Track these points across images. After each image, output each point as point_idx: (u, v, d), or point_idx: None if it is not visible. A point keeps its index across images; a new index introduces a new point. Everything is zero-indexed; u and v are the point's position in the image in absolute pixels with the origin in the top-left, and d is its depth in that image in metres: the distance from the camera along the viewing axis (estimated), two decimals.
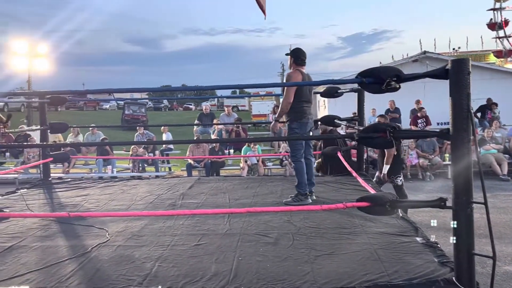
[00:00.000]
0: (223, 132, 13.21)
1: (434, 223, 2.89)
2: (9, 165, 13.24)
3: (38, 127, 6.88)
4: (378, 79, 2.77)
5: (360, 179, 5.17)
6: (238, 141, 12.57)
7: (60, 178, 8.53)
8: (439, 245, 3.24)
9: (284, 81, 5.00)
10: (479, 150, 10.75)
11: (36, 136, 12.74)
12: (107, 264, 3.10)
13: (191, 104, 56.81)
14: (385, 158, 7.20)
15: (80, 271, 2.97)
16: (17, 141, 13.35)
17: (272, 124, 5.15)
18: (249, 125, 16.62)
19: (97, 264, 3.11)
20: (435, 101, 14.09)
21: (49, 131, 6.90)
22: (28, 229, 4.08)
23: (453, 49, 46.04)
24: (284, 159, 11.80)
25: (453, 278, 2.55)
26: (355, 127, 5.20)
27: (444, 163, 11.74)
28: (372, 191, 4.11)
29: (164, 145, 13.89)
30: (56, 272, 2.96)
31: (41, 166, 7.09)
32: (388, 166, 7.38)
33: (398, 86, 2.78)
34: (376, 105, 13.73)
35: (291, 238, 3.58)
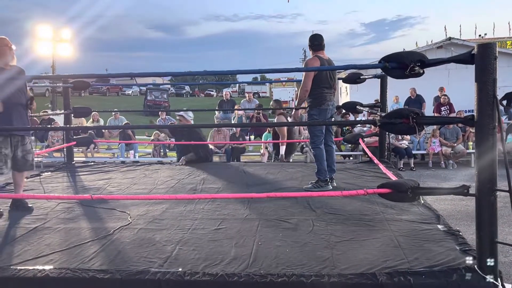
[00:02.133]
0: (243, 118, 13.20)
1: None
2: (34, 149, 13.50)
3: (62, 111, 6.99)
4: (402, 64, 2.72)
5: (381, 166, 5.12)
6: (258, 126, 12.54)
7: (84, 162, 8.65)
8: (461, 233, 3.20)
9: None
10: (505, 137, 10.59)
11: (60, 121, 12.94)
12: (128, 246, 3.14)
13: (212, 91, 56.91)
14: (280, 139, 8.14)
15: (102, 253, 3.03)
16: (41, 125, 13.58)
17: (293, 112, 5.11)
18: (270, 112, 16.58)
19: (119, 246, 3.16)
20: (459, 89, 13.86)
21: (72, 115, 7.01)
22: (52, 211, 4.17)
23: (479, 35, 44.88)
24: (304, 146, 11.77)
25: (475, 266, 2.51)
26: (378, 113, 5.14)
27: (468, 151, 11.54)
28: (394, 178, 4.08)
29: None
30: (79, 253, 3.02)
31: (64, 149, 7.22)
32: (284, 147, 8.36)
33: (422, 71, 2.73)
34: (398, 92, 13.53)
35: (311, 224, 3.57)
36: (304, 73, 4.91)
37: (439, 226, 3.43)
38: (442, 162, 11.45)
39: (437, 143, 11.62)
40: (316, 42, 4.92)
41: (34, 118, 13.78)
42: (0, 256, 3.00)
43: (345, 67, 4.32)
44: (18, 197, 4.41)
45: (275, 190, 4.90)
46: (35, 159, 4.74)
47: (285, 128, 8.71)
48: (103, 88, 41.90)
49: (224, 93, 15.83)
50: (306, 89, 4.81)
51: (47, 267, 2.75)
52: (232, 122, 13.45)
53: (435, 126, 11.75)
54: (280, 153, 8.39)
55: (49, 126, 12.46)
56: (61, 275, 2.65)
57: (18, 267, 2.76)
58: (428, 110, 13.99)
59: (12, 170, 4.35)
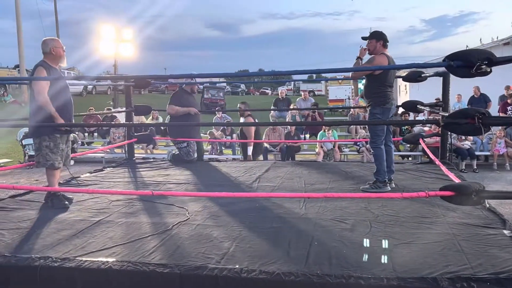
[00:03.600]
0: (296, 117, 13.13)
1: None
2: (97, 145, 14.04)
3: (124, 109, 7.24)
4: (468, 62, 2.62)
5: (443, 167, 4.95)
6: (314, 124, 12.46)
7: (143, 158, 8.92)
8: None
9: (365, 64, 4.79)
10: None
11: (121, 118, 13.40)
12: (187, 242, 3.21)
13: (267, 89, 56.99)
14: (248, 140, 8.37)
15: (161, 247, 3.11)
16: (104, 122, 14.13)
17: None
18: (326, 110, 16.35)
19: (177, 241, 3.24)
20: None
21: (133, 113, 7.24)
22: (114, 205, 4.33)
23: None
24: (361, 146, 11.56)
25: None
26: (440, 113, 4.96)
27: None
28: (457, 180, 3.93)
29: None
30: (140, 247, 3.12)
31: (126, 146, 7.47)
32: (251, 148, 8.68)
33: (489, 70, 2.61)
34: (460, 91, 13.01)
35: (369, 225, 3.51)
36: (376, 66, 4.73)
37: (505, 231, 3.27)
38: (508, 164, 10.92)
39: (502, 144, 11.09)
40: (386, 39, 4.77)
41: (98, 115, 14.41)
42: (67, 247, 3.15)
43: (408, 66, 4.19)
44: (83, 192, 4.63)
45: (331, 190, 4.85)
46: (100, 154, 5.02)
47: (253, 128, 8.98)
48: (162, 86, 42.97)
49: (279, 92, 15.82)
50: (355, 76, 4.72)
51: (110, 260, 2.86)
52: (287, 120, 13.41)
53: (500, 127, 11.20)
54: (248, 153, 8.79)
55: (111, 123, 12.92)
56: (123, 267, 2.75)
57: (83, 258, 2.89)
58: (493, 109, 13.37)
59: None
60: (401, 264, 2.71)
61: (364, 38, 4.87)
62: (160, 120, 14.13)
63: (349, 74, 5.42)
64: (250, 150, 8.78)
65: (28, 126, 4.55)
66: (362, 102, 14.47)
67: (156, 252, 3.02)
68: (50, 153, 4.35)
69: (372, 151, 5.03)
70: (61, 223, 3.76)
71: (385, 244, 3.10)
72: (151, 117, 13.73)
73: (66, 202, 4.36)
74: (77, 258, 2.90)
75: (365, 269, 2.64)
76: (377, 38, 4.77)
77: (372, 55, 4.78)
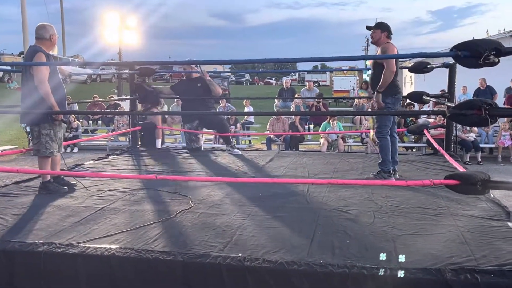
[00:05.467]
0: (300, 107, 13.09)
1: None
2: (101, 132, 14.07)
3: (128, 97, 7.21)
4: (475, 53, 2.59)
5: (448, 158, 4.93)
6: (318, 114, 12.43)
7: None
8: None
9: (380, 53, 4.68)
10: None
11: (125, 106, 13.40)
12: (190, 230, 3.22)
13: (272, 79, 56.80)
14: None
15: (165, 235, 3.11)
16: (108, 109, 14.14)
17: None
18: (330, 101, 16.27)
19: (181, 229, 3.24)
20: None
21: (138, 101, 7.22)
22: (118, 192, 4.33)
23: None
24: (364, 136, 11.52)
25: None
26: (445, 104, 4.93)
27: None
28: (462, 170, 3.90)
29: (245, 118, 14.05)
30: (143, 234, 3.13)
31: (130, 134, 7.47)
32: (160, 140, 8.83)
33: (497, 61, 2.58)
34: (466, 83, 12.93)
35: (372, 216, 3.50)
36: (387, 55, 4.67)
37: (510, 224, 3.25)
38: None
39: (507, 136, 11.04)
40: (391, 31, 4.71)
41: (101, 103, 14.41)
42: (70, 233, 3.15)
43: (414, 55, 4.15)
44: (88, 175, 4.64)
45: None
46: (103, 142, 5.06)
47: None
48: (166, 75, 42.91)
49: (284, 82, 15.76)
50: (393, 70, 4.57)
51: (113, 246, 2.86)
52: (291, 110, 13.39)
53: (505, 119, 11.14)
54: (157, 146, 8.71)
55: (116, 111, 12.93)
56: (126, 254, 2.76)
57: (87, 245, 2.89)
58: (499, 102, 13.29)
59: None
60: (405, 254, 2.69)
61: (368, 28, 4.82)
62: (165, 108, 14.12)
63: (354, 64, 5.34)
64: (159, 143, 8.85)
65: (20, 112, 4.43)
66: (363, 93, 14.37)
67: (160, 239, 3.02)
68: (50, 141, 4.33)
69: (377, 141, 5.00)
70: (65, 209, 3.77)
71: (389, 234, 3.09)
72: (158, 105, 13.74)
73: (66, 188, 4.37)
74: (81, 244, 2.91)
75: (368, 260, 2.63)
76: (382, 29, 4.72)
77: (385, 45, 4.67)
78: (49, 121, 4.29)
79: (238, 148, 7.03)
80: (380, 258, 2.62)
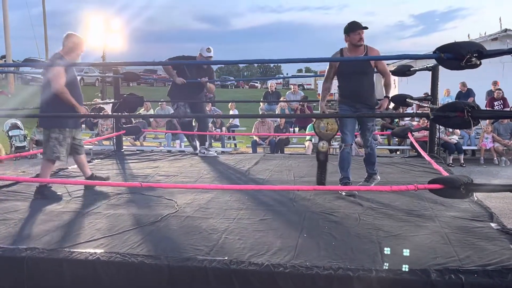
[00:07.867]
0: (286, 110, 13.12)
1: None
2: (85, 136, 13.92)
3: (112, 100, 7.15)
4: (458, 55, 2.63)
5: (431, 161, 4.98)
6: (303, 117, 12.48)
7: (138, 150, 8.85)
8: None
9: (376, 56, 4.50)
10: None
11: (109, 110, 13.27)
12: (176, 234, 3.20)
13: (256, 82, 56.82)
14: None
15: (150, 239, 3.09)
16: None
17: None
18: (315, 104, 16.31)
19: (166, 233, 3.23)
20: None
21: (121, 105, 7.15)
22: (102, 197, 4.29)
23: None
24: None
25: None
26: (428, 106, 4.98)
27: None
28: (445, 174, 3.95)
29: (230, 122, 14.04)
30: (128, 238, 3.10)
31: (114, 138, 7.41)
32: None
33: (478, 63, 2.62)
34: (448, 86, 13.10)
35: (357, 218, 3.52)
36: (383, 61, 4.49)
37: (492, 224, 3.30)
38: (495, 158, 11.02)
39: (489, 139, 11.20)
40: None
41: (85, 107, 14.27)
42: (54, 238, 3.12)
43: (399, 57, 4.19)
44: (78, 183, 4.60)
45: None
46: (87, 146, 5.12)
47: None
48: (150, 79, 42.71)
49: (269, 85, 15.77)
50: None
51: (98, 251, 2.83)
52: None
53: (487, 121, 11.30)
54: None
55: (100, 114, 12.81)
56: (111, 259, 2.73)
57: (71, 250, 2.86)
58: (479, 104, 13.46)
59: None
60: (390, 256, 2.71)
61: (365, 28, 4.57)
62: (151, 111, 14.02)
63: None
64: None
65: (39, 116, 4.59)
66: None
67: (145, 243, 3.00)
68: (58, 145, 4.40)
69: (369, 147, 4.73)
70: (48, 214, 3.72)
71: (374, 236, 3.11)
72: (143, 109, 13.65)
73: (59, 193, 4.34)
74: (65, 249, 2.88)
75: (354, 261, 2.64)
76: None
77: (376, 50, 4.40)
78: (59, 125, 4.38)
79: (223, 152, 7.01)
80: (385, 252, 2.65)
